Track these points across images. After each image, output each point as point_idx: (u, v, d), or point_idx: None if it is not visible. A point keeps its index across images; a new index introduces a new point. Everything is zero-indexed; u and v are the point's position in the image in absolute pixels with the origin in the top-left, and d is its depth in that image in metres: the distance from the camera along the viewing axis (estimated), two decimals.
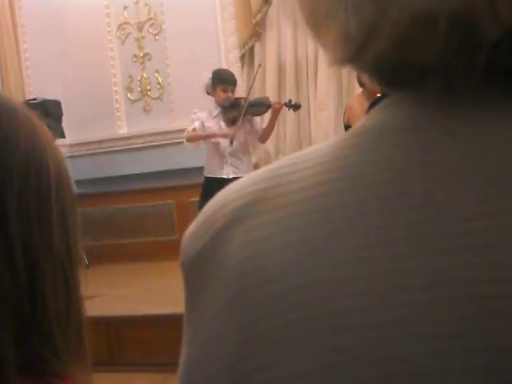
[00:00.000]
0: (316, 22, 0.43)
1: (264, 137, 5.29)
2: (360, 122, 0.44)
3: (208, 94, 5.25)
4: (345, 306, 0.37)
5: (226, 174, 5.12)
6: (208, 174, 5.23)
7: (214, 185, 5.08)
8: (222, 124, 5.18)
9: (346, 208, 0.40)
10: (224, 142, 5.10)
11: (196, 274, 0.46)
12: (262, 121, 5.61)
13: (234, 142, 5.12)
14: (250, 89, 5.17)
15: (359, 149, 0.41)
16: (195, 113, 5.20)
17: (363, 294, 0.37)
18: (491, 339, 0.34)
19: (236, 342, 0.41)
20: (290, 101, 5.33)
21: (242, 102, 5.15)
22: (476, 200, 0.36)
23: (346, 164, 0.41)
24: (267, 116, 5.37)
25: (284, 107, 5.23)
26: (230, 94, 5.12)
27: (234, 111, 5.13)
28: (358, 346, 0.36)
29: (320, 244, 0.39)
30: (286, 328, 0.39)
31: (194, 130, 5.12)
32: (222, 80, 5.13)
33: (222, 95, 5.12)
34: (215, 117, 5.17)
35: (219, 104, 5.18)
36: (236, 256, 0.42)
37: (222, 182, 4.93)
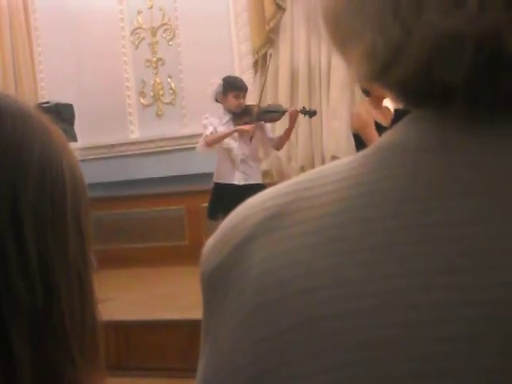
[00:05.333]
0: (341, 39, 0.43)
1: (280, 144, 5.28)
2: (383, 136, 0.44)
3: (216, 101, 5.24)
4: (368, 321, 0.37)
5: (238, 180, 5.11)
6: (218, 179, 5.22)
7: (223, 190, 5.06)
8: None
9: (358, 225, 0.40)
10: (236, 149, 5.10)
11: (215, 285, 0.46)
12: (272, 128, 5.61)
13: (253, 140, 5.12)
14: (260, 95, 5.14)
15: (375, 166, 0.42)
16: (207, 117, 5.18)
17: (383, 309, 0.37)
18: (503, 341, 0.35)
19: (254, 356, 0.41)
20: (305, 107, 5.31)
21: (255, 108, 5.15)
22: (474, 220, 0.37)
23: (363, 181, 0.42)
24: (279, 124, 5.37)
25: (300, 114, 5.20)
26: (241, 101, 5.14)
27: (246, 117, 5.12)
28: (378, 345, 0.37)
29: (337, 260, 0.40)
30: (305, 343, 0.39)
31: (211, 134, 5.10)
32: (234, 87, 5.14)
33: (234, 102, 5.13)
34: (225, 123, 5.17)
35: (230, 111, 5.17)
36: (256, 269, 0.42)
37: (232, 189, 4.96)
